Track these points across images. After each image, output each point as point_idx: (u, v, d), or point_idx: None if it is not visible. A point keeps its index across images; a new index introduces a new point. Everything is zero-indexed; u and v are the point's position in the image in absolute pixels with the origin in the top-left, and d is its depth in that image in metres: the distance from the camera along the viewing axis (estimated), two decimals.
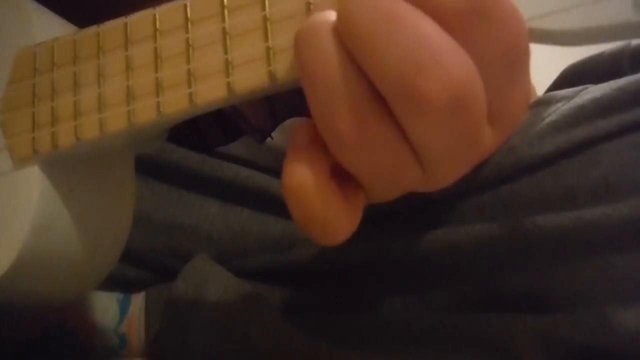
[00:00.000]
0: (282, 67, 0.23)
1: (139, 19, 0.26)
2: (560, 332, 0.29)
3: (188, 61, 0.25)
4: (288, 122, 0.47)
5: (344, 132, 0.21)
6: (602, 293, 0.29)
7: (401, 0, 0.20)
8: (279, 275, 0.39)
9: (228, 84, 0.24)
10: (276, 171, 0.42)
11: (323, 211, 0.22)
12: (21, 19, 0.29)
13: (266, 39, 0.23)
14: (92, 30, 0.27)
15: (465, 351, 0.31)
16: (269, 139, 0.47)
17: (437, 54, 0.19)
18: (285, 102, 0.46)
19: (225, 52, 0.24)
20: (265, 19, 0.23)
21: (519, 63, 0.21)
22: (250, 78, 0.24)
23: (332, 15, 0.21)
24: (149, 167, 0.42)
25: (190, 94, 0.24)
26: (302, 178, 0.22)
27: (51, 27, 0.30)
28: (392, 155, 0.21)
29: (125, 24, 0.26)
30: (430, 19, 0.20)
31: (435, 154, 0.21)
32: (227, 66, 0.24)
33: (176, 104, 0.25)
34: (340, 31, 0.21)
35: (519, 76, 0.21)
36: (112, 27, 0.27)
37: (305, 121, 0.23)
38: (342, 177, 0.23)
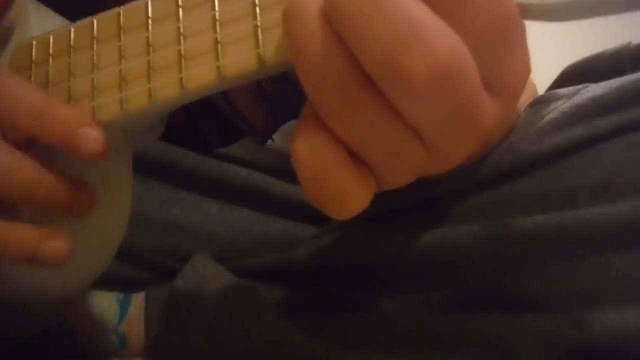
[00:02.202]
0: (271, 50, 0.23)
1: (132, 9, 0.27)
2: (560, 332, 0.29)
3: (179, 47, 0.25)
4: (289, 124, 0.47)
5: (332, 108, 0.21)
6: (602, 293, 0.29)
7: None
8: (279, 275, 0.39)
9: (218, 67, 0.24)
10: (276, 172, 0.42)
11: (338, 178, 0.22)
12: (20, 17, 0.30)
13: (255, 24, 0.24)
14: (87, 21, 0.28)
15: (465, 351, 0.31)
16: (270, 141, 0.47)
17: (421, 32, 0.19)
18: (286, 103, 0.46)
19: (215, 37, 0.24)
20: (254, 4, 0.24)
21: (509, 33, 0.21)
22: (239, 62, 0.24)
23: None
24: (149, 167, 0.42)
25: (181, 80, 0.25)
26: (316, 145, 0.22)
27: (49, 24, 0.30)
28: (388, 132, 0.21)
29: (119, 14, 0.27)
30: None
31: (432, 130, 0.21)
32: (217, 51, 0.24)
33: (167, 90, 0.25)
34: (326, 12, 0.21)
35: (514, 45, 0.21)
36: (106, 17, 0.27)
37: None
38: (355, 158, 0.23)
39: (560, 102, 0.32)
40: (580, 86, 0.33)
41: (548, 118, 0.31)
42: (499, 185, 0.31)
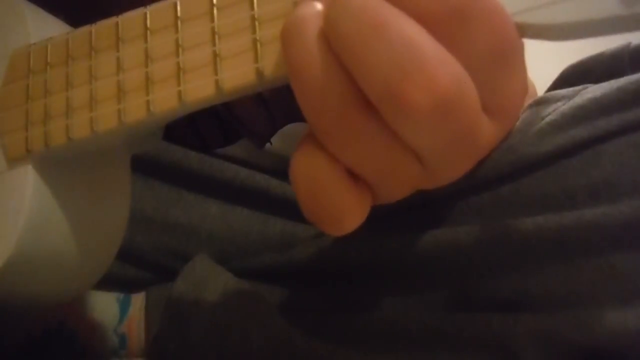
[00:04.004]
0: (269, 64, 0.23)
1: (130, 18, 0.27)
2: (560, 332, 0.29)
3: (177, 60, 0.25)
4: (287, 127, 0.47)
5: (329, 129, 0.21)
6: (602, 293, 0.29)
7: (387, 6, 0.20)
8: (279, 275, 0.39)
9: (216, 81, 0.24)
10: (276, 172, 0.42)
11: (334, 195, 0.22)
12: (16, 20, 0.30)
13: (254, 38, 0.24)
14: (84, 29, 0.28)
15: (465, 351, 0.31)
16: (268, 145, 0.47)
17: (422, 60, 0.19)
18: (284, 108, 0.46)
19: (214, 50, 0.24)
20: (253, 18, 0.24)
21: (509, 55, 0.21)
22: (238, 75, 0.24)
23: (318, 7, 0.21)
24: (149, 167, 0.42)
25: (179, 92, 0.25)
26: (313, 161, 0.22)
27: (46, 28, 0.30)
28: (385, 153, 0.21)
29: (117, 23, 0.27)
30: (415, 23, 0.20)
31: (431, 153, 0.21)
32: (216, 64, 0.24)
33: (165, 102, 0.25)
34: (326, 35, 0.21)
35: (513, 67, 0.21)
36: (104, 27, 0.27)
37: None
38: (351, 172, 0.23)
39: (559, 103, 0.32)
40: (580, 87, 0.33)
41: (548, 119, 0.32)
42: (498, 186, 0.31)
